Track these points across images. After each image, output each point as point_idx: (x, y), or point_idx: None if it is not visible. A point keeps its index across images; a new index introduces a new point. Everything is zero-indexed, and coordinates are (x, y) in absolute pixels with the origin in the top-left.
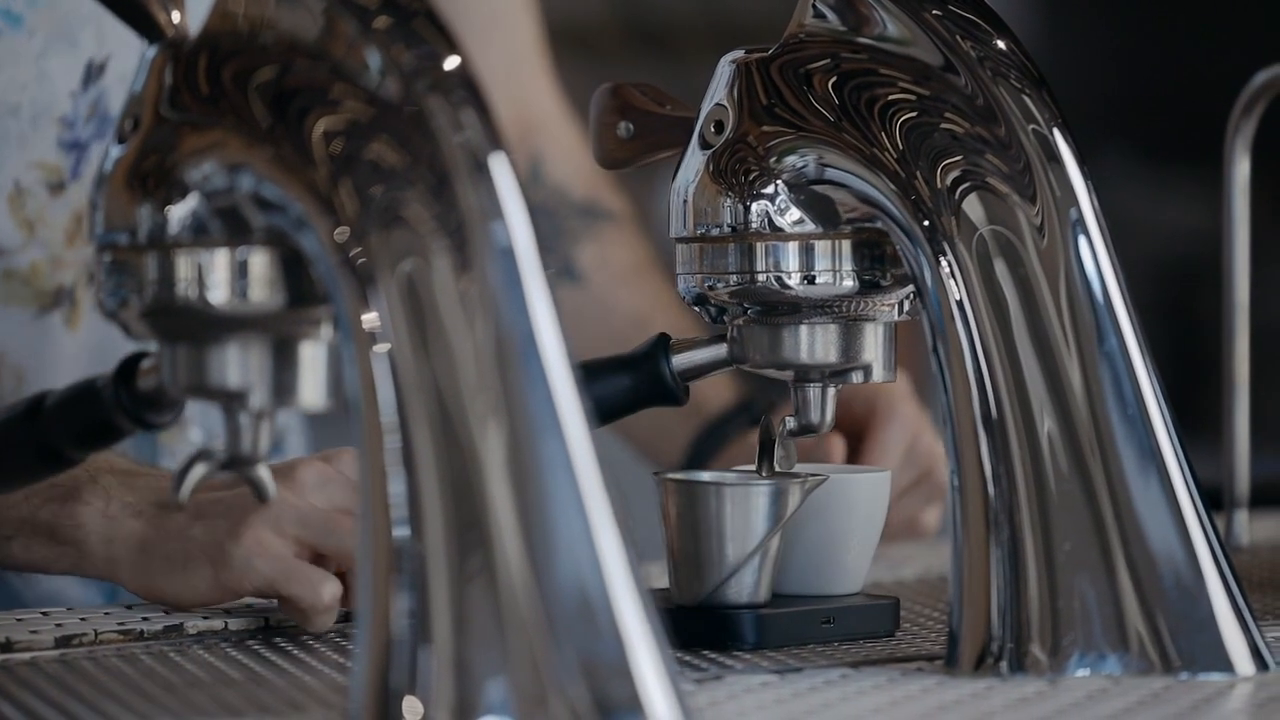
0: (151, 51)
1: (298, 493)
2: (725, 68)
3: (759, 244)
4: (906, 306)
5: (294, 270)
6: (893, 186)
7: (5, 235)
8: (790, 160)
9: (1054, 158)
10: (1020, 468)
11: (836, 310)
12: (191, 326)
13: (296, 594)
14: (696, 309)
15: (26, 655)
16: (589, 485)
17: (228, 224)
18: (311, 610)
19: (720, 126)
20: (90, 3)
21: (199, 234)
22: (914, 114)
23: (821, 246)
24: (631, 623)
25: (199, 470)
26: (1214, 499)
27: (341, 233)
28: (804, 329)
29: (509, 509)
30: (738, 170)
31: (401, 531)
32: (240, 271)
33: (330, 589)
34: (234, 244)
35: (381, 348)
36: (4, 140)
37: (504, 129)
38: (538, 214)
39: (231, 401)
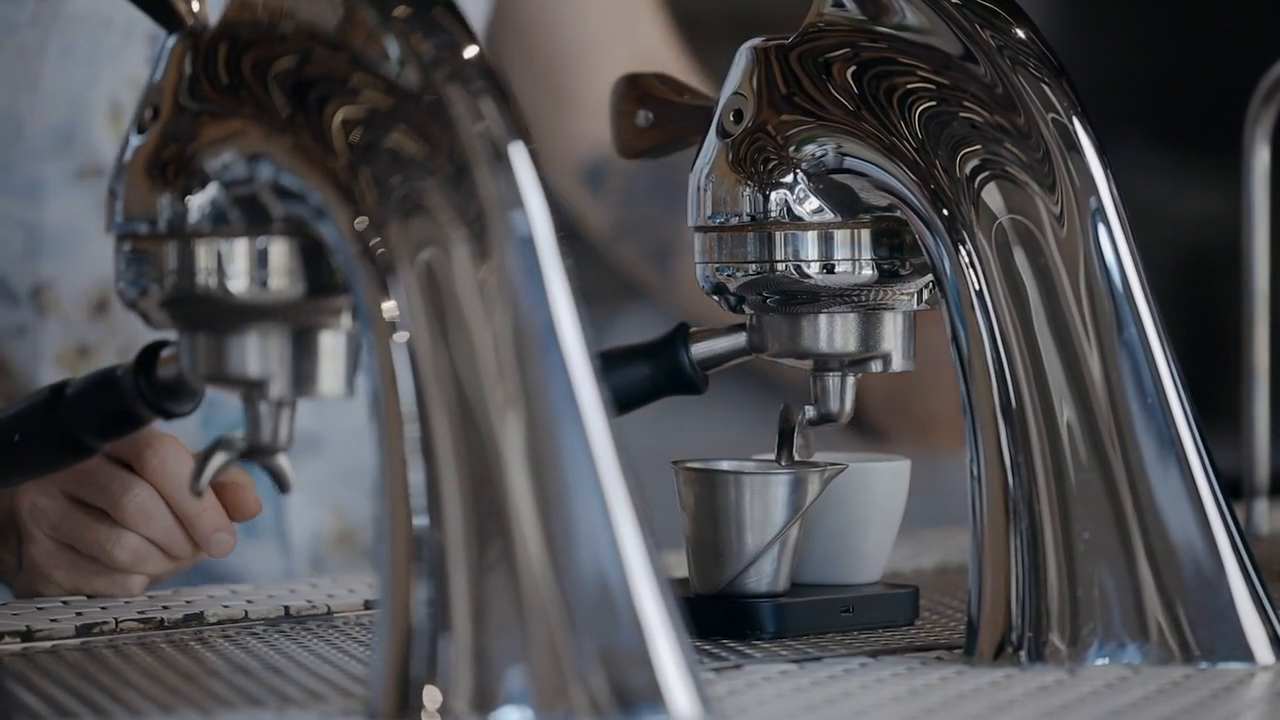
0: (171, 40)
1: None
2: (744, 56)
3: (778, 233)
4: (925, 295)
5: (314, 259)
6: (912, 175)
7: (105, 154)
8: (809, 149)
9: (1073, 147)
10: (1040, 457)
11: (855, 299)
12: (211, 315)
13: (104, 591)
14: (715, 298)
15: (47, 643)
16: (608, 474)
17: (247, 213)
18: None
19: (739, 115)
20: None
21: (219, 223)
22: (933, 103)
23: (840, 235)
24: (651, 612)
25: (219, 458)
26: (1233, 488)
27: (361, 222)
28: (823, 318)
29: (528, 498)
30: (756, 159)
31: (421, 520)
32: (260, 261)
33: (137, 582)
34: (254, 233)
35: (401, 337)
36: (98, 54)
37: None
38: None
39: (251, 390)
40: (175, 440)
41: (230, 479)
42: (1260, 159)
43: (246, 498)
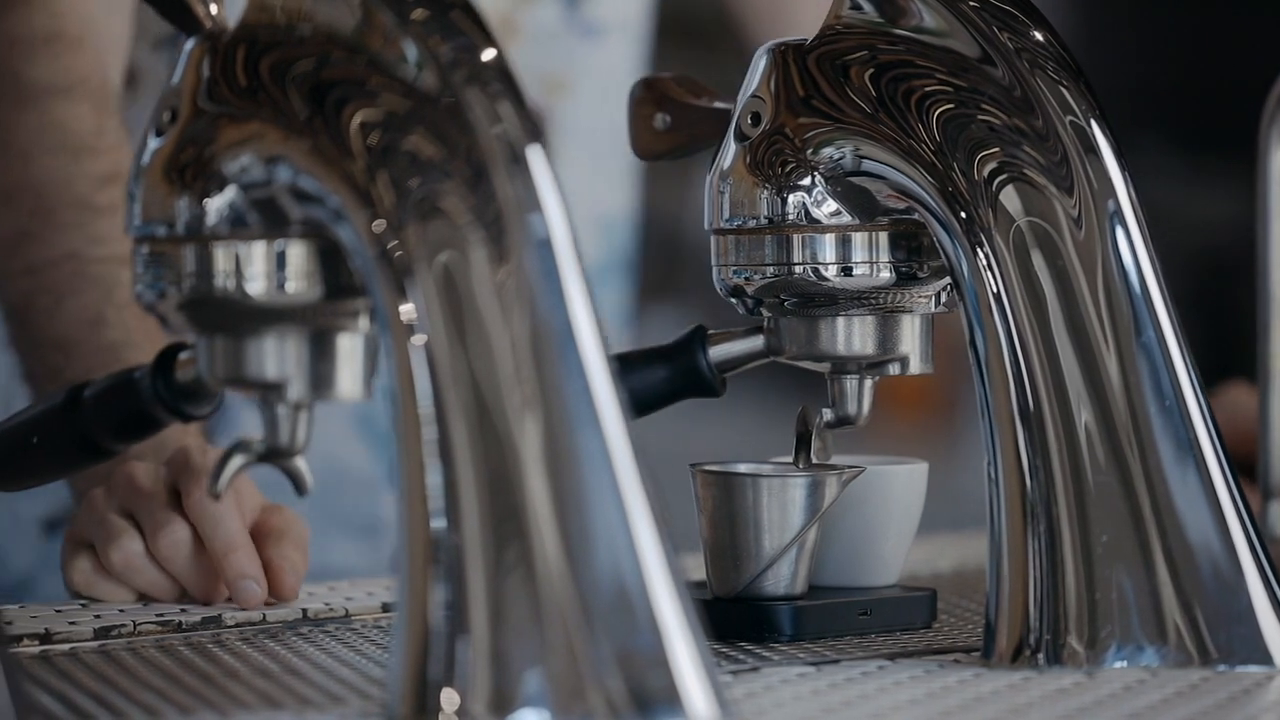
0: (189, 43)
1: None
2: (762, 58)
3: (796, 235)
4: (943, 298)
5: (331, 262)
6: (930, 178)
7: None
8: (827, 152)
9: (1092, 149)
10: (1057, 460)
11: (873, 302)
12: (229, 318)
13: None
14: (733, 300)
15: (65, 646)
16: (626, 477)
17: (265, 216)
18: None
19: (757, 118)
20: None
21: (237, 226)
22: (951, 105)
23: (859, 238)
24: (668, 614)
25: (236, 462)
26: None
27: (379, 224)
28: (841, 321)
29: (546, 501)
30: (774, 162)
31: (439, 523)
32: (278, 263)
33: (120, 593)
34: (271, 236)
35: (419, 339)
36: None
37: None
38: None
39: (269, 393)
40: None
41: (282, 561)
42: (1276, 161)
43: (284, 583)
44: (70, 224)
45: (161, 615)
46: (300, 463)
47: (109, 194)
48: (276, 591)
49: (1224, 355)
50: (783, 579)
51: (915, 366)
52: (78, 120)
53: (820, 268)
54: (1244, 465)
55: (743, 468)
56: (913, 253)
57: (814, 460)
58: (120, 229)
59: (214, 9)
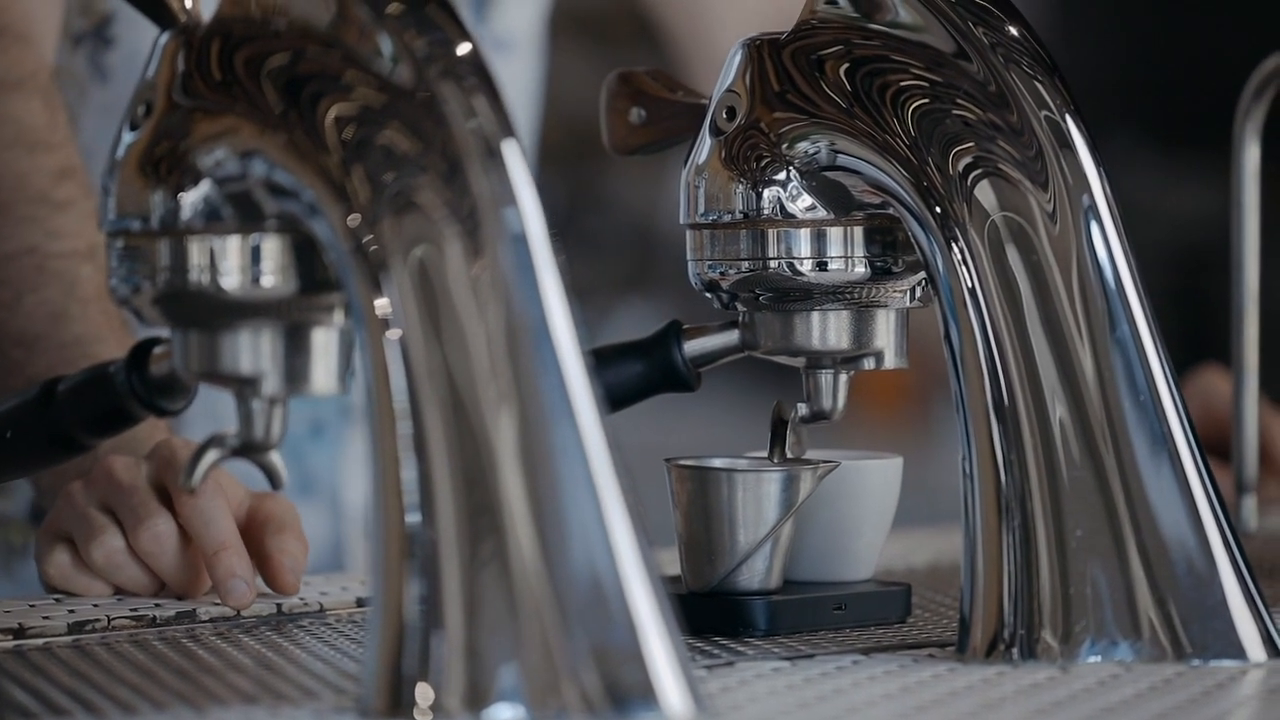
0: (164, 37)
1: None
2: (737, 53)
3: (771, 230)
4: (918, 293)
5: (306, 256)
6: (905, 173)
7: None
8: (802, 146)
9: (1066, 144)
10: (1032, 455)
11: (848, 297)
12: (204, 312)
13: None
14: (708, 295)
15: (39, 641)
16: (601, 472)
17: (240, 210)
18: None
19: (732, 112)
20: None
21: (211, 220)
22: (926, 100)
23: (834, 233)
24: (643, 609)
25: (211, 456)
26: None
27: (354, 219)
28: (816, 315)
29: (521, 495)
30: (749, 156)
31: (413, 517)
32: (253, 257)
33: (98, 587)
34: (246, 230)
35: (393, 334)
36: None
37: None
38: None
39: (244, 387)
40: (214, 478)
41: (280, 552)
42: (1250, 155)
43: (285, 580)
44: (28, 218)
45: (136, 610)
46: (275, 457)
47: (66, 189)
48: (278, 586)
49: (1198, 350)
50: (757, 574)
51: (890, 361)
52: (30, 115)
53: (795, 262)
54: (1218, 449)
55: (718, 462)
56: (888, 248)
57: (789, 455)
58: (79, 223)
59: (189, 3)
